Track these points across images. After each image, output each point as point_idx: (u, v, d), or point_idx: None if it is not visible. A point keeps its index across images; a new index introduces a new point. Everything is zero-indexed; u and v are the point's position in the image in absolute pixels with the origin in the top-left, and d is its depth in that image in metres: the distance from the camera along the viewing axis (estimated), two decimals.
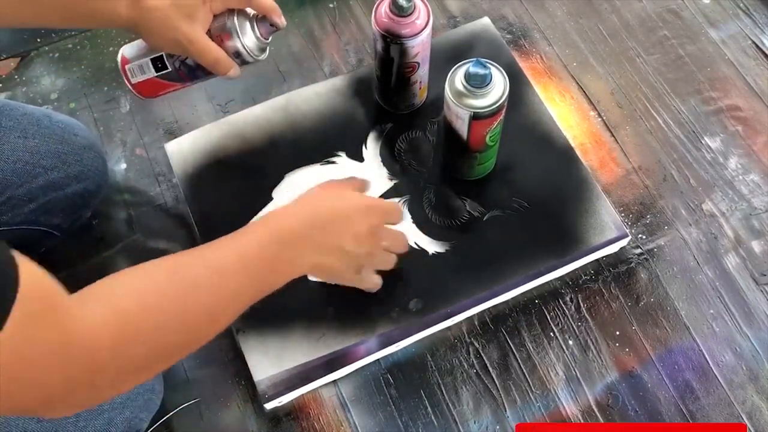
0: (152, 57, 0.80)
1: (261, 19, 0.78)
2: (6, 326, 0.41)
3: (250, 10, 0.78)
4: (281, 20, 0.79)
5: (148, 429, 0.82)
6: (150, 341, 0.54)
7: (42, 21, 0.79)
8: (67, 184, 0.86)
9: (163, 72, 0.80)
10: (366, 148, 0.96)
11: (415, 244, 0.90)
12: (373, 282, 0.80)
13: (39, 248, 0.93)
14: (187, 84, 0.83)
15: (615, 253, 0.94)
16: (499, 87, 0.81)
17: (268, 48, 0.81)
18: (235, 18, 0.76)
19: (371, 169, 0.95)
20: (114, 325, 0.51)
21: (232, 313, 0.63)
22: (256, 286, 0.65)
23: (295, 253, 0.67)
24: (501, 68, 0.81)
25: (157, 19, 0.72)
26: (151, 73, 0.80)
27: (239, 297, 0.63)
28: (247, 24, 0.77)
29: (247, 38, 0.77)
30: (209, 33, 0.76)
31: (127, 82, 0.82)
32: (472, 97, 0.80)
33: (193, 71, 0.80)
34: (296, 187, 0.93)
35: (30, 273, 0.44)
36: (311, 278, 0.85)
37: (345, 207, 0.73)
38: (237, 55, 0.78)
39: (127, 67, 0.81)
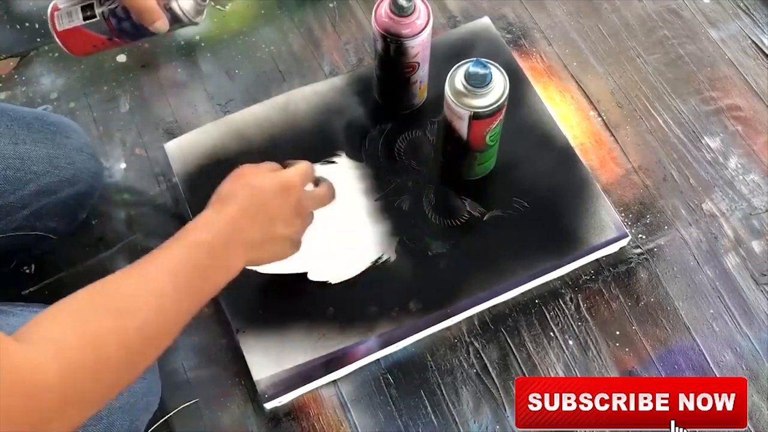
0: (83, 4, 0.77)
1: None
2: None
3: None
4: None
5: (147, 429, 0.82)
6: (93, 369, 0.54)
7: None
8: (60, 188, 0.85)
9: (91, 21, 0.77)
10: (366, 148, 0.96)
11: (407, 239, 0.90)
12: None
13: (36, 251, 0.94)
14: (114, 41, 0.80)
15: (615, 253, 0.94)
16: (499, 87, 0.80)
17: (204, 12, 0.78)
18: None
19: (371, 169, 0.95)
20: (59, 359, 0.51)
21: (175, 330, 0.62)
22: (194, 299, 0.64)
23: (226, 260, 0.67)
24: (501, 68, 0.81)
25: None
26: (79, 20, 0.77)
27: (179, 314, 0.62)
28: None
29: None
30: None
31: (53, 31, 0.78)
32: (472, 96, 0.80)
33: (120, 23, 0.76)
34: None
35: None
36: (261, 270, 0.85)
37: (263, 197, 0.71)
38: (170, 11, 0.75)
39: (56, 13, 0.78)
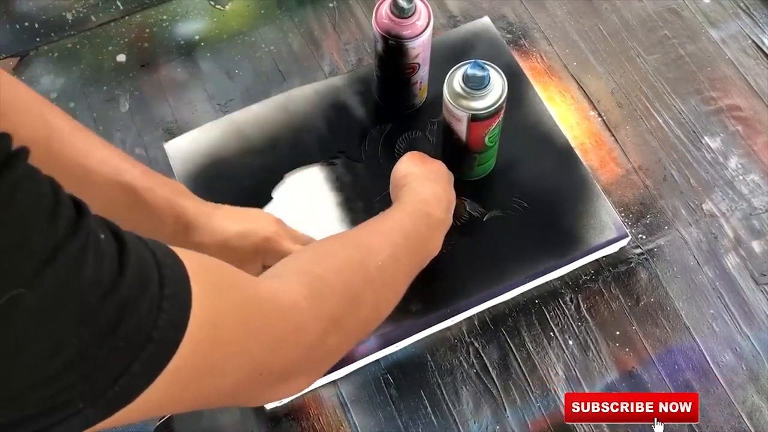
0: None
1: None
2: (193, 305, 0.40)
3: None
4: None
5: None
6: (341, 295, 0.56)
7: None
8: None
9: None
10: (366, 148, 0.96)
11: None
12: None
13: None
14: None
15: (615, 253, 0.94)
16: (497, 88, 0.80)
17: None
18: None
19: (371, 169, 0.95)
20: (306, 284, 0.53)
21: (402, 286, 0.67)
22: (414, 263, 0.71)
23: (434, 239, 0.76)
24: (499, 69, 0.81)
25: None
26: None
27: (406, 271, 0.67)
28: None
29: None
30: None
31: None
32: (470, 98, 0.80)
33: None
34: (296, 187, 0.93)
35: (191, 255, 0.43)
36: None
37: (447, 185, 0.81)
38: None
39: None
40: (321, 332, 0.53)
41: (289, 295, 0.51)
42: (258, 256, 0.73)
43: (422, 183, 0.77)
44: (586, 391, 0.87)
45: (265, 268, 0.73)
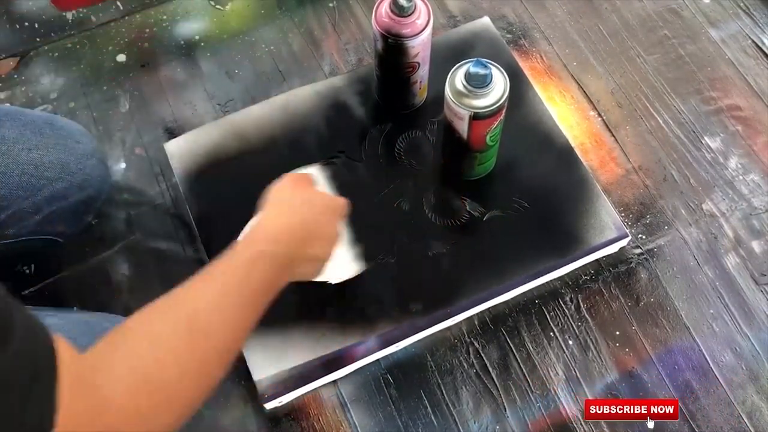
0: None
1: None
2: (59, 408, 0.43)
3: None
4: None
5: None
6: (173, 394, 0.55)
7: None
8: (71, 193, 0.86)
9: None
10: (366, 148, 0.96)
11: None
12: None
13: (42, 255, 0.94)
14: None
15: (615, 253, 0.94)
16: (499, 87, 0.80)
17: None
18: None
19: (371, 169, 0.95)
20: (140, 389, 0.51)
21: (242, 342, 0.64)
22: (257, 313, 0.64)
23: (285, 274, 0.67)
24: (501, 68, 0.81)
25: None
26: None
27: (246, 329, 0.63)
28: None
29: None
30: None
31: None
32: (472, 97, 0.80)
33: None
34: None
35: (69, 357, 0.45)
36: None
37: (317, 216, 0.72)
38: None
39: None
40: (135, 424, 0.52)
41: (128, 407, 0.51)
42: None
43: (279, 213, 0.70)
44: (587, 390, 0.87)
45: None
